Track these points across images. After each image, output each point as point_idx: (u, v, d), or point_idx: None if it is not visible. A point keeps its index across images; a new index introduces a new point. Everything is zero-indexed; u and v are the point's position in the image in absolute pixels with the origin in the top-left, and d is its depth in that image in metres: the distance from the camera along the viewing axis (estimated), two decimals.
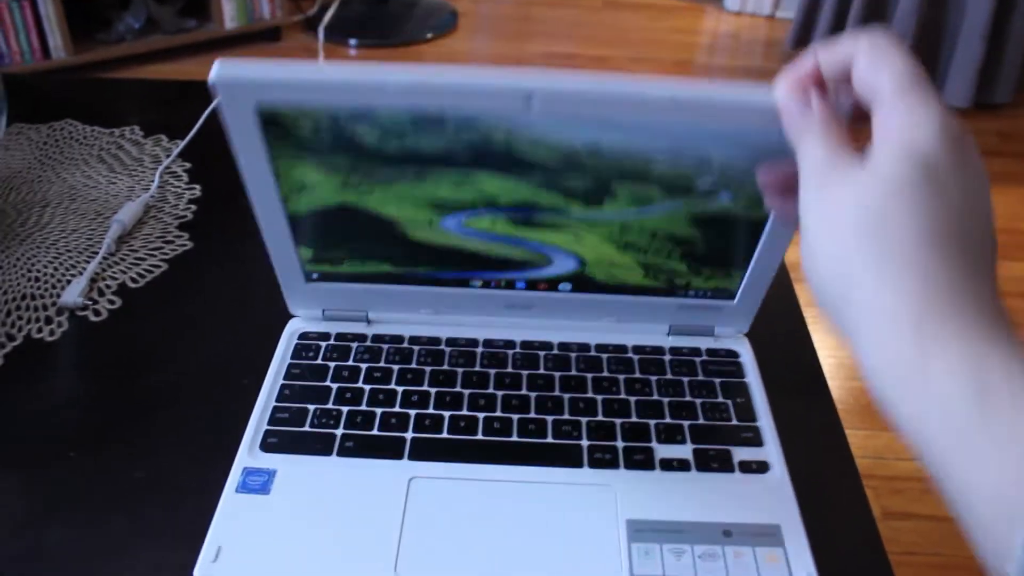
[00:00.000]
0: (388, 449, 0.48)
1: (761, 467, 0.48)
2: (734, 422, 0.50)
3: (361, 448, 0.48)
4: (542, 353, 0.54)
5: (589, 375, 0.53)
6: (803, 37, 2.66)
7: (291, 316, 0.57)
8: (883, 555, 0.46)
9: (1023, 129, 2.38)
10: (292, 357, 0.54)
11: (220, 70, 0.41)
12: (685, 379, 0.53)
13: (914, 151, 0.32)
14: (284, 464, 0.47)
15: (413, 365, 0.53)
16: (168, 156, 0.79)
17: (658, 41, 2.86)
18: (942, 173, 0.31)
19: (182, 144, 0.81)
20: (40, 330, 0.59)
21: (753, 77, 2.64)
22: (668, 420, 0.50)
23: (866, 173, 0.32)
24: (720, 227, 0.47)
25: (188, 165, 0.78)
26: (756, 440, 0.49)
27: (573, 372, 0.53)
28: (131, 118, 0.85)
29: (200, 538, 0.44)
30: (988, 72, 2.37)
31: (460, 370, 0.53)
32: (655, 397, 0.52)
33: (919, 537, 1.23)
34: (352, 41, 2.68)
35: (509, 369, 0.53)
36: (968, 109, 2.40)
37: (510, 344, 0.55)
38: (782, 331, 0.60)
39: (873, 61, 0.34)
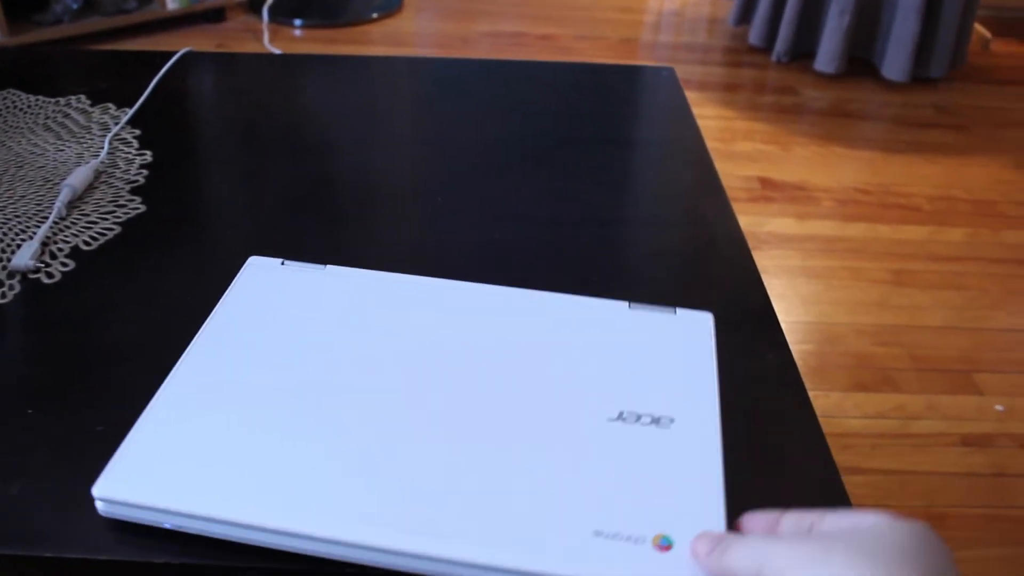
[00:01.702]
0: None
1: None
2: None
3: None
4: None
5: None
6: (745, 15, 2.70)
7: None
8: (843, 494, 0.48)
9: (957, 102, 2.44)
10: None
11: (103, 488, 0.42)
12: None
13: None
14: None
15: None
16: (117, 123, 0.78)
17: (604, 20, 2.87)
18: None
19: (131, 111, 0.80)
20: None
21: (697, 54, 2.67)
22: None
23: None
24: None
25: (138, 132, 0.77)
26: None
27: None
28: (76, 87, 0.84)
29: None
30: (924, 48, 2.43)
31: None
32: None
33: (869, 490, 1.27)
34: (297, 22, 2.65)
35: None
36: (906, 83, 2.46)
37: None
38: (742, 301, 0.62)
39: None
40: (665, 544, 0.40)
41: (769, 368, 0.55)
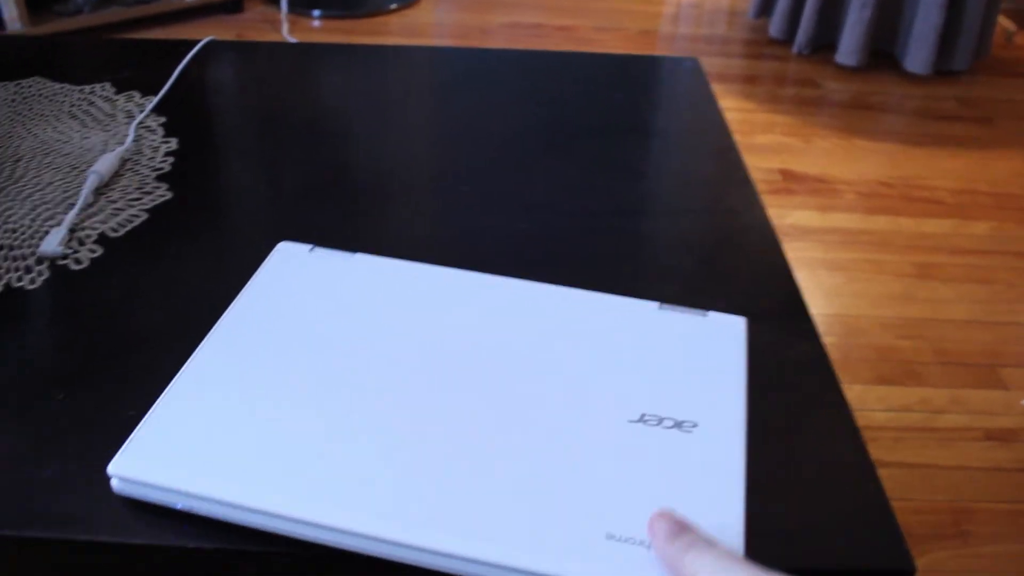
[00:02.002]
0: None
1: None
2: None
3: None
4: None
5: None
6: (765, 7, 2.68)
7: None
8: (881, 493, 0.47)
9: (980, 95, 2.42)
10: None
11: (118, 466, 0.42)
12: None
13: None
14: None
15: None
16: (142, 111, 0.78)
17: (623, 11, 2.86)
18: None
19: (156, 99, 0.80)
20: (20, 279, 0.58)
21: (717, 45, 2.66)
22: None
23: None
24: None
25: (163, 119, 0.77)
26: None
27: None
28: (101, 75, 0.84)
29: None
30: (947, 40, 2.41)
31: None
32: None
33: (891, 483, 1.26)
34: (316, 12, 2.65)
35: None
36: (928, 76, 2.43)
37: None
38: (771, 292, 0.61)
39: None
40: None
41: (800, 360, 0.54)
